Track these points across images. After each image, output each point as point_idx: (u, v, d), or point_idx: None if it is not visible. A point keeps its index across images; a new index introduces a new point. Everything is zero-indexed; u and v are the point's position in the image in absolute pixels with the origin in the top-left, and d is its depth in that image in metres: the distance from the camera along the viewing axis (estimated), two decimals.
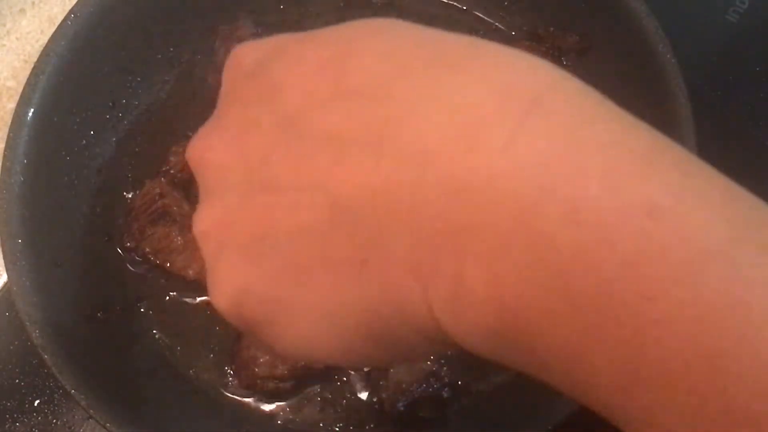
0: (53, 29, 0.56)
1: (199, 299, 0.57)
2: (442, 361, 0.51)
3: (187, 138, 0.30)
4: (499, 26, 0.64)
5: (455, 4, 0.65)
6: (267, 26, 0.65)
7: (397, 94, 0.23)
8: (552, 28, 0.61)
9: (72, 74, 0.57)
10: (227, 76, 0.29)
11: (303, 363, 0.52)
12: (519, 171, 0.21)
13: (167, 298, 0.58)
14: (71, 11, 0.56)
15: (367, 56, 0.24)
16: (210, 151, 0.28)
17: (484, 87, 0.22)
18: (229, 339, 0.55)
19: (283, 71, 0.26)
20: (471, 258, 0.21)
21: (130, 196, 0.60)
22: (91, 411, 0.47)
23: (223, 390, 0.55)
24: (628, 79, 0.55)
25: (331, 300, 0.25)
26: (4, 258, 0.51)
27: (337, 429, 0.53)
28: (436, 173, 0.21)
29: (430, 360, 0.50)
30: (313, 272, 0.25)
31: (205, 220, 0.28)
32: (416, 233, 0.22)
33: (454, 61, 0.23)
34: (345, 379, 0.54)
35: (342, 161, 0.23)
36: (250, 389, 0.54)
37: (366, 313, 0.24)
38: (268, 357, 0.52)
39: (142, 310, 0.57)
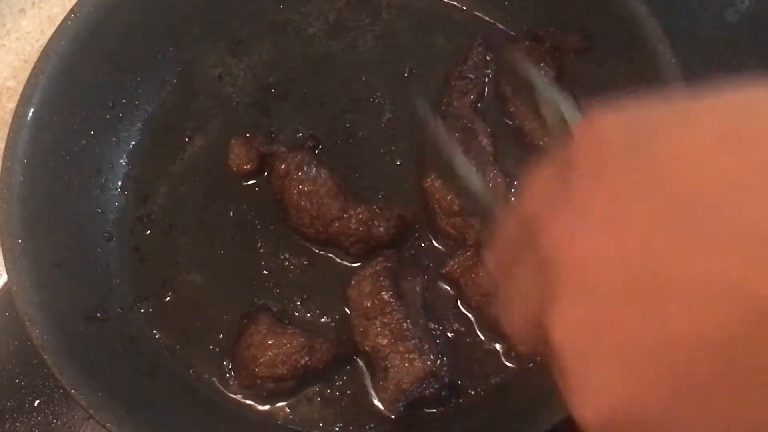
0: (53, 29, 0.56)
1: (198, 299, 0.57)
2: (443, 360, 0.51)
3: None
4: (499, 26, 0.64)
5: (455, 4, 0.64)
6: (270, 25, 0.65)
7: None
8: (552, 28, 0.61)
9: (72, 74, 0.57)
10: (585, 153, 0.26)
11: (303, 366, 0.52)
12: None
13: (167, 298, 0.58)
14: (71, 11, 0.56)
15: None
16: (578, 240, 0.24)
17: None
18: (229, 339, 0.55)
19: (669, 154, 0.23)
20: None
21: (131, 196, 0.60)
22: (91, 411, 0.47)
23: (223, 390, 0.55)
24: (628, 79, 0.55)
25: (728, 418, 0.22)
26: (4, 258, 0.51)
27: (337, 429, 0.53)
28: None
29: (430, 360, 0.50)
30: (712, 387, 0.22)
31: (571, 320, 0.24)
32: None
33: None
34: (345, 378, 0.54)
35: (761, 261, 0.20)
36: (250, 389, 0.54)
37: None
38: (268, 357, 0.52)
39: (142, 310, 0.57)
